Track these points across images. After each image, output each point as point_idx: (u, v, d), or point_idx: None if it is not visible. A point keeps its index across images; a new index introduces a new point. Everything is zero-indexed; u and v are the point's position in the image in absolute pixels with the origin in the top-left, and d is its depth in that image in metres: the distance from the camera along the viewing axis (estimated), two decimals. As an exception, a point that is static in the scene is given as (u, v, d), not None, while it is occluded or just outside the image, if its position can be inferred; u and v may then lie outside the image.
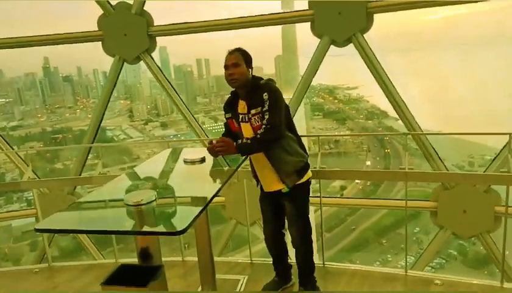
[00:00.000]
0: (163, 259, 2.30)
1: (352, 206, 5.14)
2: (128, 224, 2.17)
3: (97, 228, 2.17)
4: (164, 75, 5.01)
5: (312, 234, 3.06)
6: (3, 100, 25.28)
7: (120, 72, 5.05)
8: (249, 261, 3.90)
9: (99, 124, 5.21)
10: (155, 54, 5.01)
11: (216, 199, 5.07)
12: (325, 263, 3.63)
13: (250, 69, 2.70)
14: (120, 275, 2.22)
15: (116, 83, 5.14)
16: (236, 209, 5.18)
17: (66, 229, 2.16)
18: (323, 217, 3.94)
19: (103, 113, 5.23)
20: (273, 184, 2.82)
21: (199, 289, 3.16)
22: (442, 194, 4.51)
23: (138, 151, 17.20)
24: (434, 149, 4.57)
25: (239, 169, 2.96)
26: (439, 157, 4.59)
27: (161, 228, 2.15)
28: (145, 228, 2.20)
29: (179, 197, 2.61)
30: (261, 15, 4.50)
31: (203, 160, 2.89)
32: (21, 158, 5.43)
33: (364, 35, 4.51)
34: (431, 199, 4.64)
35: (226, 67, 2.66)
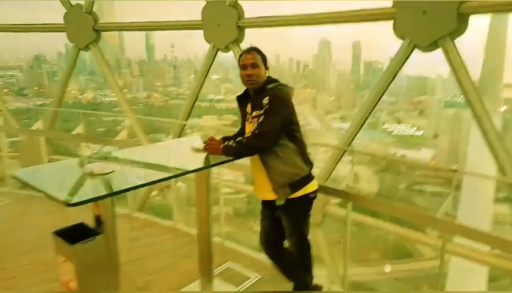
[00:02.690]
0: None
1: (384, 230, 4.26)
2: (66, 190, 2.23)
3: (41, 187, 2.21)
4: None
5: (309, 249, 2.85)
6: (215, 76, 30.12)
7: (214, 59, 5.45)
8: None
9: (192, 105, 5.76)
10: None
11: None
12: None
13: (267, 71, 2.65)
14: (73, 231, 2.37)
15: (209, 69, 5.56)
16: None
17: (27, 182, 2.30)
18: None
19: (196, 97, 5.73)
20: (266, 193, 2.68)
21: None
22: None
23: (314, 139, 17.99)
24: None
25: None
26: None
27: (64, 197, 2.08)
28: (65, 196, 2.12)
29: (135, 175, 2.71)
30: (337, 12, 4.08)
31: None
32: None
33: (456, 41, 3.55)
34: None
35: (244, 67, 2.60)
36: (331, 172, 4.36)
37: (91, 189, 2.25)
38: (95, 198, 2.16)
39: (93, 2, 5.94)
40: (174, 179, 4.67)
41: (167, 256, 3.98)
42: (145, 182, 2.42)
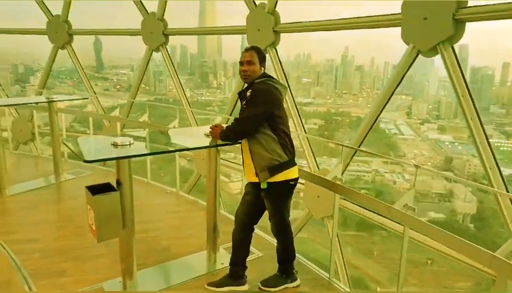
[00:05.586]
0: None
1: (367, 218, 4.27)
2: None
3: (73, 149, 3.14)
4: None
5: (290, 229, 3.24)
6: (306, 79, 30.28)
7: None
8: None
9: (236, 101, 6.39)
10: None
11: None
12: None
13: (262, 68, 2.97)
14: (102, 188, 3.02)
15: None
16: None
17: (69, 147, 3.23)
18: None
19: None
20: (252, 175, 3.04)
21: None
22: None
23: (405, 149, 17.25)
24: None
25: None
26: None
27: (87, 156, 2.83)
28: (86, 155, 2.86)
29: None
30: (345, 18, 4.34)
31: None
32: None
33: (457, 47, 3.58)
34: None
35: (241, 63, 2.94)
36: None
37: (107, 153, 2.92)
38: (104, 159, 2.94)
39: (164, 8, 6.94)
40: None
41: (195, 228, 4.51)
42: (146, 153, 3.21)
